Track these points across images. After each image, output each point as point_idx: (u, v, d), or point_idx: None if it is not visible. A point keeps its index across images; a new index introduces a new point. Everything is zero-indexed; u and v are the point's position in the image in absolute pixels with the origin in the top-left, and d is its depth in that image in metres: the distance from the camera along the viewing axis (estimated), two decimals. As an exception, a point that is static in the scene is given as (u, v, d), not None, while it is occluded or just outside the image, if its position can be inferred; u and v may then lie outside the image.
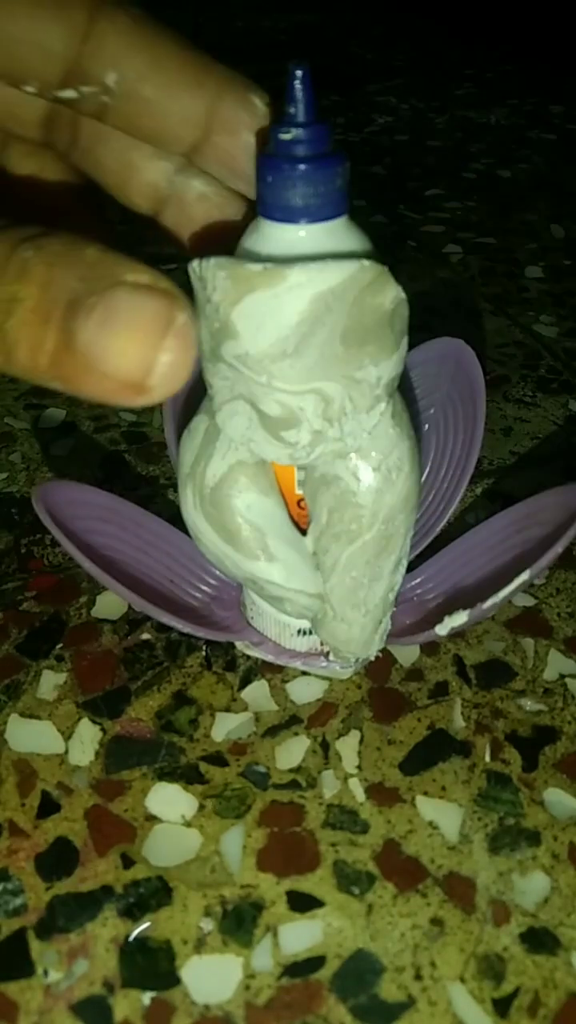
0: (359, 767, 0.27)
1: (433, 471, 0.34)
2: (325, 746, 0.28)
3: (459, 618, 0.27)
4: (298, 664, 0.30)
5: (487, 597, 0.26)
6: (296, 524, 0.26)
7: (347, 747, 0.28)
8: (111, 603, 0.33)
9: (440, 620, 0.28)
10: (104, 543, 0.29)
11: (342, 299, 0.21)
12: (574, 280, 0.57)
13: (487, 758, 0.28)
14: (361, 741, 0.28)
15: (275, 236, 0.21)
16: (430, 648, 0.31)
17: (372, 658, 0.29)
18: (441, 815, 0.26)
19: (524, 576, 0.26)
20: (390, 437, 0.23)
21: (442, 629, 0.27)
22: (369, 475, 0.24)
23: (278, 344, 0.21)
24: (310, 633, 0.29)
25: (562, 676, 0.30)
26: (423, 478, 0.33)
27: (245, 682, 0.30)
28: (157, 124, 0.21)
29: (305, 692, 0.30)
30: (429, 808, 0.26)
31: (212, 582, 0.32)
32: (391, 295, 0.21)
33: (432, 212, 0.68)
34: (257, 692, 0.30)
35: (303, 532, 0.26)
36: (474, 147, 0.81)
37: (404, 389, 0.25)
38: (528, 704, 0.29)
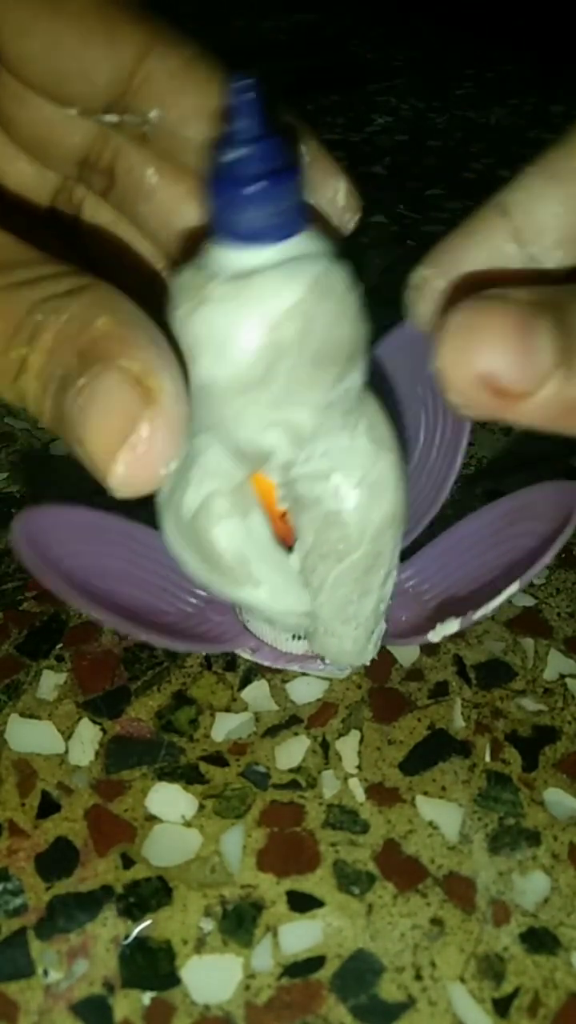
0: (359, 767, 0.27)
1: (424, 455, 0.33)
2: (325, 746, 0.28)
3: (451, 626, 0.27)
4: (296, 667, 0.30)
5: (478, 600, 0.26)
6: (281, 540, 0.25)
7: (347, 747, 0.28)
8: (111, 603, 0.33)
9: (434, 616, 0.27)
10: (91, 564, 0.28)
11: (309, 314, 0.19)
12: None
13: (487, 758, 0.28)
14: (361, 741, 0.28)
15: (228, 262, 0.20)
16: (430, 648, 0.31)
17: (368, 662, 0.29)
18: (441, 815, 0.26)
19: (513, 588, 0.25)
20: (368, 452, 0.23)
21: (435, 636, 0.27)
22: (352, 493, 0.23)
23: (241, 374, 0.20)
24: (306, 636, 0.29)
25: (562, 676, 0.30)
26: (413, 463, 0.33)
27: (245, 682, 0.30)
28: (197, 163, 0.21)
29: (305, 692, 0.30)
30: (429, 808, 0.26)
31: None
32: (356, 294, 0.20)
33: (432, 212, 0.68)
34: (257, 692, 0.30)
35: (288, 548, 0.25)
36: (474, 147, 0.81)
37: (382, 389, 0.25)
38: (528, 704, 0.29)
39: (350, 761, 0.28)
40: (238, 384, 0.20)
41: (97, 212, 0.24)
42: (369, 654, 0.27)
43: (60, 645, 0.32)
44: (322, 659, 0.29)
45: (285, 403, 0.21)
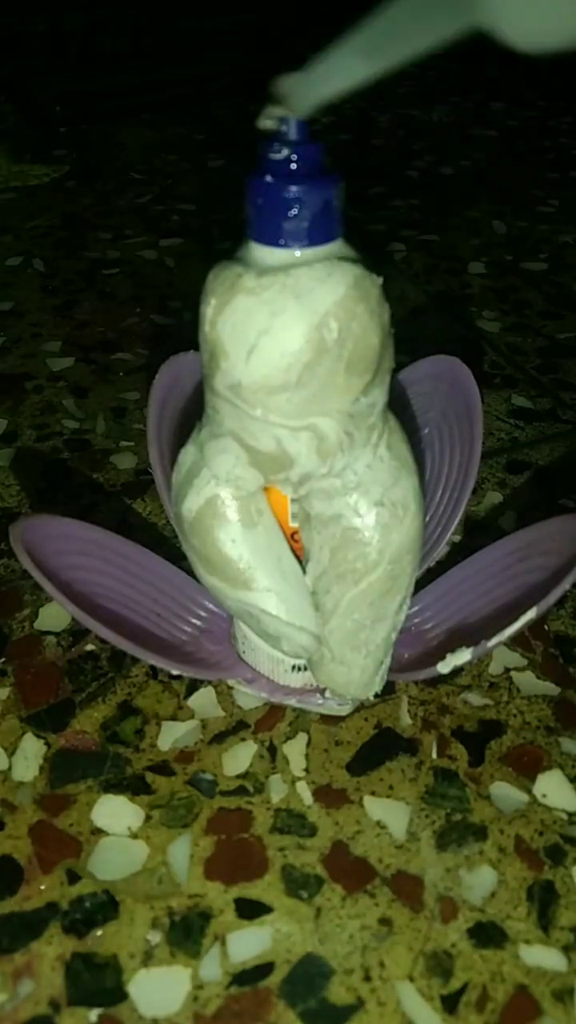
0: (306, 770, 0.27)
1: (429, 494, 0.32)
2: (272, 750, 0.28)
3: (462, 656, 0.25)
4: (293, 702, 0.29)
5: (490, 631, 0.25)
6: (295, 555, 0.24)
7: (294, 750, 0.28)
8: (54, 615, 0.33)
9: (439, 653, 0.26)
10: (87, 578, 0.28)
11: (350, 314, 0.19)
12: (516, 276, 0.58)
13: (434, 755, 0.28)
14: (308, 743, 0.28)
15: (266, 261, 0.20)
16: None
17: (372, 698, 0.27)
18: (389, 814, 0.26)
19: (530, 614, 0.24)
20: (390, 469, 0.22)
21: (444, 667, 0.26)
22: (372, 511, 0.22)
23: (277, 374, 0.19)
24: (305, 669, 0.28)
25: (507, 670, 0.31)
26: None
27: (191, 690, 0.30)
28: None
29: (252, 697, 0.29)
30: (377, 808, 0.26)
31: (202, 614, 0.31)
32: (387, 311, 0.20)
33: (376, 211, 0.68)
34: (204, 699, 0.30)
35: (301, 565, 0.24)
36: (417, 145, 0.81)
37: (401, 412, 0.24)
38: (474, 699, 0.30)
39: (297, 764, 0.27)
40: (272, 384, 0.19)
41: None
42: (375, 687, 0.26)
43: (3, 659, 0.31)
44: (322, 692, 0.28)
45: (315, 409, 0.20)
